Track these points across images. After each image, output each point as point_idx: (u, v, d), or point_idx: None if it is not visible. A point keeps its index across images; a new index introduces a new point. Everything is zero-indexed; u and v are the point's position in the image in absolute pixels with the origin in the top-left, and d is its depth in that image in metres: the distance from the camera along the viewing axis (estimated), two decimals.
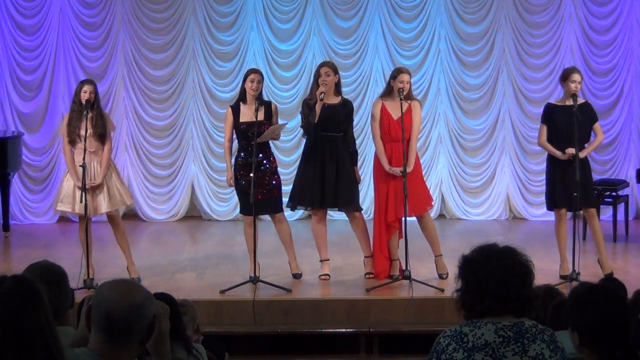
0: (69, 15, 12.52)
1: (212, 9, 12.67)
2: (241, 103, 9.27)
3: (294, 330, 8.55)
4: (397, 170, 9.10)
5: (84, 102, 9.14)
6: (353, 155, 9.51)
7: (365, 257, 9.54)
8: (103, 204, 9.24)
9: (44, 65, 12.53)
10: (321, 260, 9.54)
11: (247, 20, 12.69)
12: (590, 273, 9.23)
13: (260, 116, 9.16)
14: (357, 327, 8.59)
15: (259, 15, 12.67)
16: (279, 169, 9.51)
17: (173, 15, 12.64)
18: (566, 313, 3.86)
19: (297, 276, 9.39)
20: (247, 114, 9.19)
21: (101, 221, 10.23)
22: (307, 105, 9.34)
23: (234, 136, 9.34)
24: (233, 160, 9.37)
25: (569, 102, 9.32)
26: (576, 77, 9.34)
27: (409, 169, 9.13)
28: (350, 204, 9.44)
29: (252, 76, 9.28)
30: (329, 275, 9.46)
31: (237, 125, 9.23)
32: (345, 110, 9.40)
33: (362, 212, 9.70)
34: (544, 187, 10.66)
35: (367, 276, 9.44)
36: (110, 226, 9.46)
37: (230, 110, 9.37)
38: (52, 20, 12.51)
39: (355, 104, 10.00)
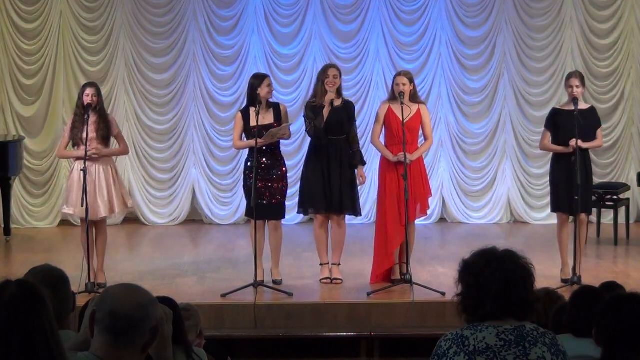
0: (69, 20, 12.52)
1: (213, 13, 12.67)
2: (251, 108, 9.28)
3: (295, 334, 8.55)
4: (401, 156, 9.09)
5: (85, 105, 9.16)
6: (357, 155, 9.50)
7: (332, 264, 9.52)
8: (101, 209, 9.24)
9: (44, 69, 12.53)
10: (321, 264, 9.56)
11: (248, 24, 12.69)
12: (591, 276, 9.23)
13: (270, 119, 9.22)
14: (358, 330, 8.59)
15: (259, 19, 12.68)
16: None
17: (174, 19, 12.64)
18: (596, 323, 3.88)
19: (276, 282, 9.36)
20: (256, 117, 9.19)
21: None
22: (312, 109, 9.34)
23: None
24: (243, 164, 9.41)
25: (572, 106, 9.34)
26: (573, 81, 9.38)
27: (413, 157, 9.13)
28: (353, 208, 9.47)
29: (267, 81, 9.31)
30: (329, 279, 9.47)
31: (247, 129, 9.25)
32: (347, 111, 9.43)
33: (362, 216, 9.72)
34: (545, 191, 10.70)
35: (333, 282, 9.44)
36: (95, 227, 9.43)
37: (240, 115, 9.40)
38: (53, 25, 12.51)
39: (356, 108, 10.01)
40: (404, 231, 9.22)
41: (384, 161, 9.46)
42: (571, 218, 9.55)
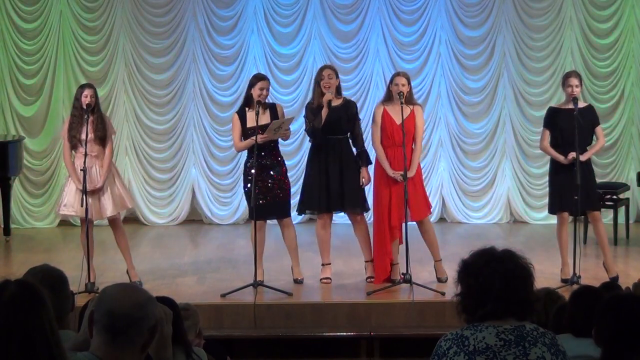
0: (69, 19, 12.52)
1: (213, 13, 12.67)
2: (247, 108, 9.28)
3: (294, 334, 8.55)
4: (398, 176, 9.11)
5: (84, 106, 9.17)
6: (363, 155, 9.49)
7: (365, 261, 9.55)
8: (108, 208, 9.25)
9: (44, 69, 12.53)
10: (323, 264, 9.57)
11: (247, 24, 12.69)
12: (591, 276, 9.23)
13: (266, 119, 9.21)
14: (358, 330, 8.59)
15: (259, 19, 12.68)
16: None
17: (173, 19, 12.65)
18: (595, 323, 3.89)
19: (298, 281, 9.40)
20: (253, 118, 9.18)
21: (102, 225, 10.25)
22: (311, 110, 9.35)
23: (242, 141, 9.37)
24: (242, 164, 9.40)
25: (570, 105, 9.34)
26: (572, 81, 9.37)
27: (412, 174, 9.16)
28: (357, 206, 9.47)
29: (261, 84, 9.26)
30: (330, 279, 9.48)
31: (244, 130, 9.23)
32: (347, 111, 9.43)
33: (367, 213, 9.71)
34: (544, 191, 10.67)
35: (368, 280, 9.45)
36: (112, 229, 9.47)
37: (236, 116, 9.39)
38: (53, 25, 12.51)
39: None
40: (394, 232, 9.27)
41: (378, 169, 9.44)
42: (571, 218, 9.56)
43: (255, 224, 9.14)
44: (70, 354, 3.06)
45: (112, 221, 9.42)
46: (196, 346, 4.88)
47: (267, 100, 9.42)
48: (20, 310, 2.87)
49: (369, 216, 10.38)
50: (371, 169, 9.66)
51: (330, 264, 9.55)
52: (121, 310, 3.08)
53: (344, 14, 12.73)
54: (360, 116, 11.96)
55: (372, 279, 9.44)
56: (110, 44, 12.59)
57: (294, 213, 11.14)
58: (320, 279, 9.50)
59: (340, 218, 10.71)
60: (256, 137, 9.00)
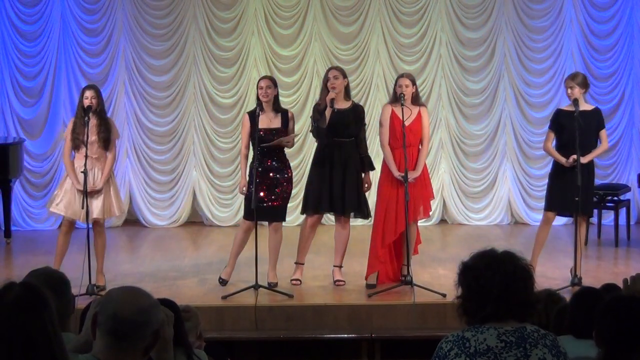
0: (69, 22, 12.52)
1: (213, 15, 12.67)
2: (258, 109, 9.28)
3: (295, 336, 8.55)
4: (408, 177, 9.07)
5: (85, 107, 9.18)
6: (366, 160, 9.46)
7: (334, 266, 9.52)
8: (95, 210, 9.23)
9: (45, 71, 12.53)
10: (296, 263, 9.56)
11: (248, 26, 12.69)
12: (592, 278, 9.23)
13: (277, 123, 9.21)
14: (359, 332, 8.59)
15: (259, 21, 12.68)
16: None
17: (174, 21, 12.65)
18: (596, 324, 3.89)
19: (272, 285, 9.33)
20: (264, 120, 9.20)
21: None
22: (317, 110, 9.35)
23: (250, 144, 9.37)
24: (247, 167, 9.38)
25: (574, 107, 9.36)
26: (568, 82, 9.42)
27: (417, 174, 9.16)
28: (357, 210, 9.46)
29: (260, 82, 9.34)
30: (299, 281, 9.47)
31: (253, 132, 9.21)
32: (355, 114, 9.41)
33: (370, 219, 9.70)
34: (545, 192, 10.62)
35: (337, 283, 9.44)
36: (93, 230, 9.40)
37: (247, 116, 9.39)
38: (53, 27, 12.51)
39: None
40: (392, 235, 9.27)
41: (385, 171, 9.43)
42: (566, 220, 9.52)
43: (256, 225, 9.13)
44: (72, 356, 3.07)
45: (96, 223, 9.39)
46: (197, 348, 4.88)
47: (265, 100, 9.35)
48: (24, 312, 2.88)
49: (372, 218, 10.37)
50: (374, 174, 9.65)
51: (303, 264, 9.54)
52: (126, 314, 3.08)
53: (344, 15, 12.74)
54: None
55: (341, 282, 9.43)
56: (111, 46, 12.59)
57: (293, 215, 11.16)
58: (290, 280, 9.47)
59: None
60: (257, 141, 8.98)
